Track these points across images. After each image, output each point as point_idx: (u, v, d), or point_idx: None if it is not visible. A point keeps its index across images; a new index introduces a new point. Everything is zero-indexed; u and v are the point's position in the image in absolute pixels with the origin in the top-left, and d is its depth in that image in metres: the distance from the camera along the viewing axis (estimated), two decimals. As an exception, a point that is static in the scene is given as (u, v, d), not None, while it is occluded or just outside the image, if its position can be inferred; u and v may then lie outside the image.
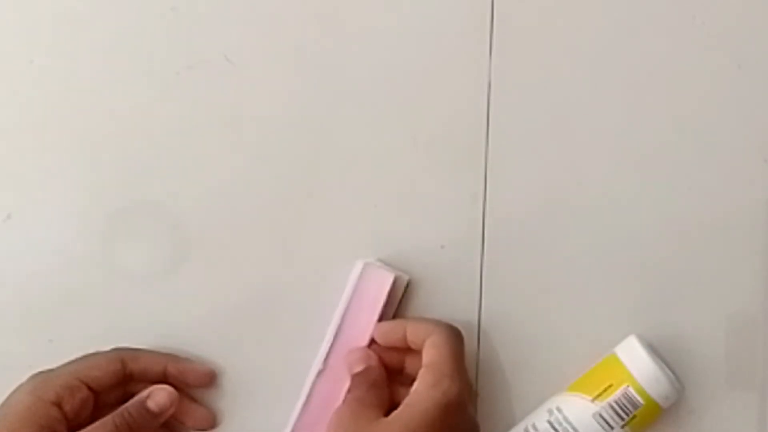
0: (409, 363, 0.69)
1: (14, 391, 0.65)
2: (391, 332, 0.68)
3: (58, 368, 0.67)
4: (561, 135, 0.72)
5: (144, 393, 0.67)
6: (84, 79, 0.71)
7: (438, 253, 0.71)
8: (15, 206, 0.71)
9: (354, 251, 0.71)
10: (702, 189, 0.72)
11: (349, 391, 0.67)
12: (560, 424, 0.68)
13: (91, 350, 0.69)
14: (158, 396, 0.66)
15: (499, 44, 0.71)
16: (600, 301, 0.72)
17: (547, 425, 0.68)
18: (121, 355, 0.68)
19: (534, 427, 0.68)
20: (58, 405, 0.64)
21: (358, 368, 0.67)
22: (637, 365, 0.67)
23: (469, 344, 0.71)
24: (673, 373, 0.69)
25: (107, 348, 0.69)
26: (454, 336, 0.67)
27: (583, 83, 0.72)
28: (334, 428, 0.64)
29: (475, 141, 0.71)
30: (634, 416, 0.67)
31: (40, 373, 0.66)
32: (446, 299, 0.72)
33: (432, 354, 0.65)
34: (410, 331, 0.68)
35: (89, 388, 0.66)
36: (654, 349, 0.69)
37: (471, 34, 0.71)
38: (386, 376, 0.68)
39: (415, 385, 0.65)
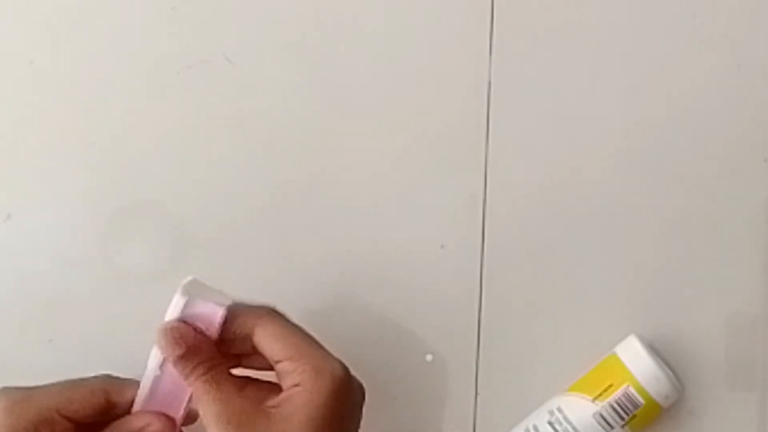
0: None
1: None
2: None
3: (37, 394, 0.62)
4: (561, 135, 0.72)
5: (137, 425, 0.63)
6: (84, 79, 0.71)
7: (438, 253, 0.71)
8: (15, 206, 0.71)
9: (354, 251, 0.71)
10: (702, 189, 0.72)
11: (185, 379, 0.61)
12: (561, 424, 0.68)
13: (91, 350, 0.69)
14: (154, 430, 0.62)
15: (499, 44, 0.71)
16: (600, 301, 0.72)
17: (548, 426, 0.68)
18: (106, 387, 0.63)
19: (535, 427, 0.68)
20: None
21: (180, 351, 0.61)
22: (637, 365, 0.67)
23: (469, 344, 0.71)
24: (673, 372, 0.69)
25: (106, 343, 0.69)
26: (277, 314, 0.62)
27: (583, 83, 0.72)
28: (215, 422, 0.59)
29: (475, 141, 0.72)
30: (635, 416, 0.67)
31: (18, 396, 0.62)
32: (446, 299, 0.72)
33: (278, 346, 0.61)
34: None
35: (69, 419, 0.62)
36: (654, 349, 0.69)
37: (471, 34, 0.72)
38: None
39: (289, 381, 0.60)
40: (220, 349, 0.62)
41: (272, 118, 0.71)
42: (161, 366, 0.62)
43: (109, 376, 0.64)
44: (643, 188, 0.71)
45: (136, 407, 0.63)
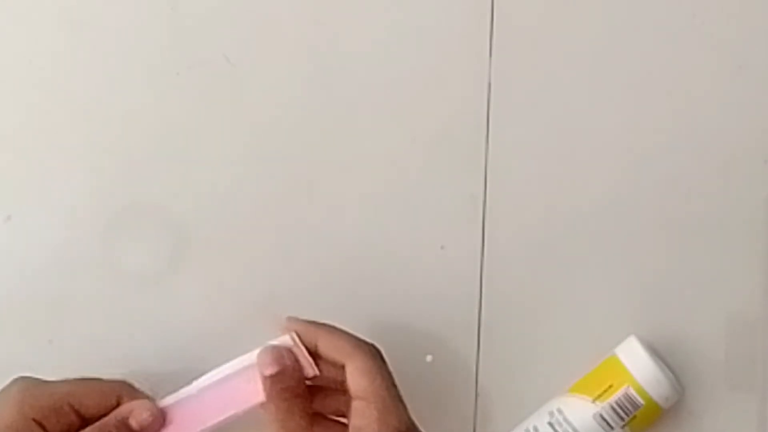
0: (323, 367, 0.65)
1: (3, 394, 0.63)
2: (302, 336, 0.65)
3: (53, 385, 0.63)
4: (561, 135, 0.72)
5: (124, 409, 0.63)
6: (84, 79, 0.71)
7: (438, 253, 0.71)
8: (15, 207, 0.70)
9: (354, 251, 0.71)
10: (702, 189, 0.72)
11: (266, 397, 0.63)
12: (561, 425, 0.68)
13: (91, 351, 0.69)
14: (140, 415, 0.63)
15: (499, 44, 0.71)
16: (600, 301, 0.72)
17: (548, 426, 0.68)
18: (120, 392, 0.64)
19: (535, 428, 0.68)
20: (42, 425, 0.61)
21: (271, 370, 0.63)
22: (637, 366, 0.68)
23: (469, 344, 0.71)
24: (673, 373, 0.69)
25: (106, 344, 0.69)
26: (378, 357, 0.64)
27: (583, 83, 0.72)
28: None
29: (475, 141, 0.72)
30: (635, 417, 0.67)
31: (34, 382, 0.63)
32: (446, 299, 0.72)
33: (362, 383, 0.62)
34: (324, 344, 0.65)
35: (78, 414, 0.63)
36: (654, 350, 0.70)
37: (471, 34, 0.71)
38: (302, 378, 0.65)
39: (355, 420, 0.62)
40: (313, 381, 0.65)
41: (272, 118, 0.71)
42: (208, 386, 0.64)
43: (125, 383, 0.65)
44: (644, 189, 0.71)
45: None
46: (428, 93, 0.72)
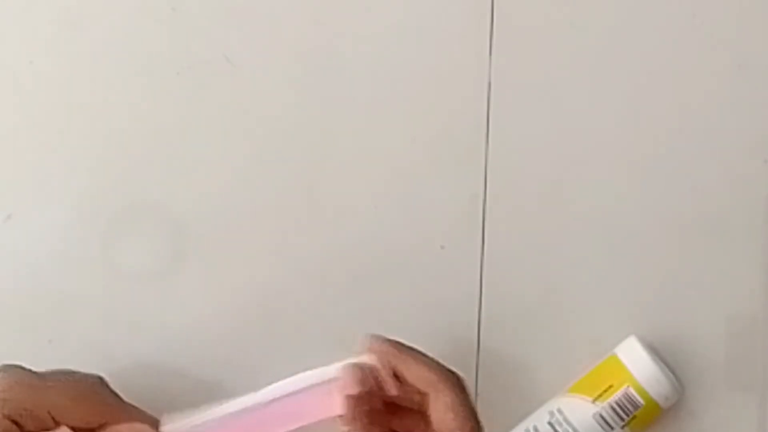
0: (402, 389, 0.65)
1: None
2: (383, 356, 0.64)
3: (43, 389, 0.61)
4: (561, 135, 0.72)
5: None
6: (84, 79, 0.71)
7: (438, 253, 0.71)
8: (15, 206, 0.71)
9: (354, 251, 0.71)
10: (702, 189, 0.72)
11: (347, 416, 0.62)
12: (561, 425, 0.68)
13: (91, 350, 0.69)
14: None
15: (499, 44, 0.71)
16: (600, 301, 0.72)
17: (548, 426, 0.68)
18: (107, 413, 0.63)
19: (535, 428, 0.68)
20: (18, 424, 0.60)
21: (355, 391, 0.62)
22: (637, 366, 0.68)
23: (469, 344, 0.71)
24: (673, 373, 0.69)
25: (106, 343, 0.69)
26: (462, 389, 0.64)
27: (583, 83, 0.72)
28: None
29: (475, 141, 0.72)
30: (635, 416, 0.67)
31: (20, 378, 0.61)
32: (446, 299, 0.72)
33: (448, 418, 0.62)
34: (408, 371, 0.64)
35: (56, 422, 0.61)
36: (654, 350, 0.69)
37: (471, 34, 0.71)
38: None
39: None
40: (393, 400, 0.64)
41: (272, 118, 0.71)
42: (280, 396, 0.63)
43: (117, 403, 0.64)
44: (644, 188, 0.71)
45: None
46: (428, 93, 0.72)
